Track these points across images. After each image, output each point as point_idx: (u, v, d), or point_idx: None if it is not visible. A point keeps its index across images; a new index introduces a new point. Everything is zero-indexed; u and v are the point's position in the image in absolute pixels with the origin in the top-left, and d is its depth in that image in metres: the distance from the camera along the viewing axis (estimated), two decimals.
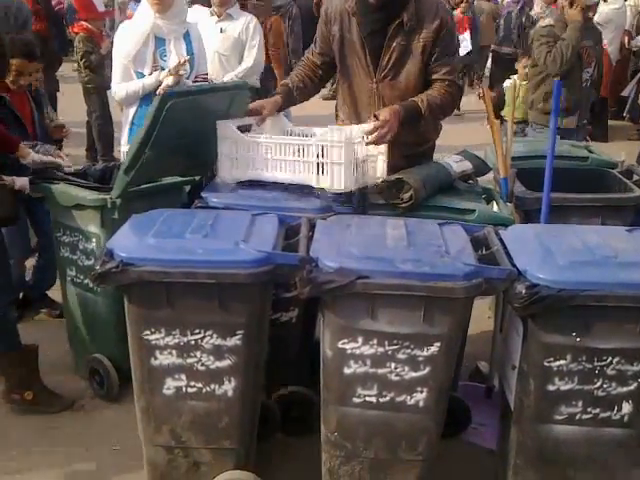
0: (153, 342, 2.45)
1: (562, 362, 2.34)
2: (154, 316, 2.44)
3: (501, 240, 2.57)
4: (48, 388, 3.35)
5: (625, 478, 2.47)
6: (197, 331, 2.44)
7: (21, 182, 3.34)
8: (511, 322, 2.58)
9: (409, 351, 2.36)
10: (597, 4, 5.52)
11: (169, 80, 3.77)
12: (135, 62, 3.87)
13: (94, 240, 3.21)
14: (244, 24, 5.16)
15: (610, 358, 2.33)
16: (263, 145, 2.96)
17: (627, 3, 9.42)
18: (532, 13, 9.89)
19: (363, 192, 2.95)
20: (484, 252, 2.53)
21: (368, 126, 2.94)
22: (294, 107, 3.70)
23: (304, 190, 2.97)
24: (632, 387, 2.35)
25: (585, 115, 5.43)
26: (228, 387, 2.50)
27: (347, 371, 2.41)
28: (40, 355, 3.35)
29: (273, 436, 3.00)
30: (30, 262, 4.19)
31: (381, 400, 2.43)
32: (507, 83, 6.79)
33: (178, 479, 2.61)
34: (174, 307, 2.41)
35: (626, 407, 2.38)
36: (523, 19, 9.83)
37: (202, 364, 2.47)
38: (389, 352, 2.37)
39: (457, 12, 9.46)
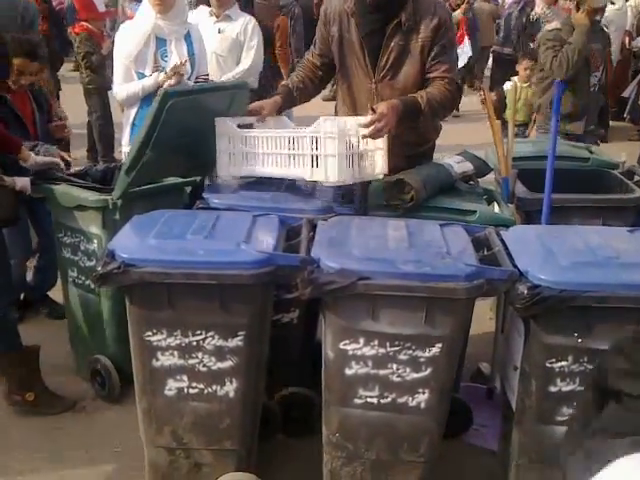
0: (155, 343, 2.45)
1: (564, 363, 2.34)
2: (155, 317, 2.43)
3: (502, 241, 2.57)
4: (49, 389, 3.35)
5: None
6: (198, 332, 2.44)
7: (22, 183, 3.33)
8: (512, 323, 2.58)
9: (410, 352, 2.36)
10: (605, 7, 5.41)
11: (171, 81, 3.77)
12: (136, 62, 3.88)
13: (95, 241, 3.21)
14: (242, 25, 5.07)
15: None
16: (258, 139, 2.94)
17: (628, 4, 9.44)
18: (533, 13, 9.87)
19: (364, 192, 2.94)
20: (485, 253, 2.53)
21: (364, 119, 2.87)
22: (295, 108, 3.69)
23: (305, 191, 2.97)
24: None
25: (593, 120, 5.32)
26: (230, 388, 2.50)
27: (348, 372, 2.41)
28: (41, 356, 3.35)
29: (274, 437, 3.00)
30: (31, 263, 4.19)
31: (382, 401, 2.42)
32: (507, 85, 6.78)
33: None
34: (175, 308, 2.41)
35: None
36: (524, 19, 9.81)
37: (204, 365, 2.47)
38: (390, 353, 2.37)
39: (457, 13, 9.43)
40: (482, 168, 3.36)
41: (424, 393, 2.41)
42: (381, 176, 2.98)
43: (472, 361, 3.37)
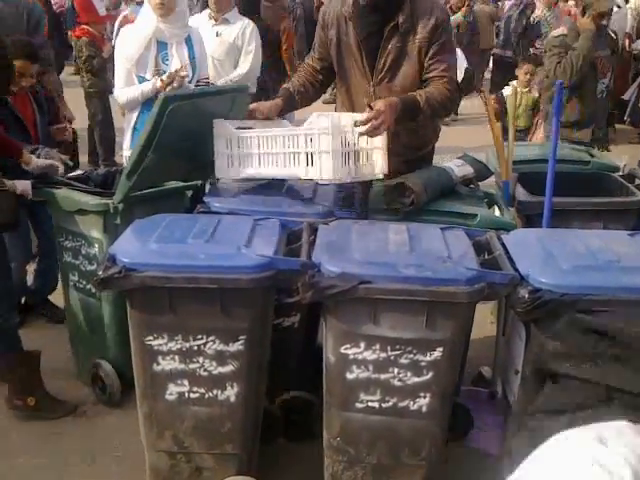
0: (155, 347, 2.45)
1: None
2: (156, 321, 2.44)
3: (503, 244, 2.57)
4: (50, 394, 3.34)
5: None
6: (199, 336, 2.44)
7: (23, 186, 3.31)
8: (514, 327, 2.58)
9: (412, 356, 2.36)
10: (611, 11, 5.33)
11: (174, 84, 3.78)
12: (137, 66, 3.88)
13: (96, 245, 3.21)
14: (240, 29, 5.04)
15: None
16: (254, 139, 2.92)
17: (628, 6, 9.44)
18: (534, 16, 9.87)
19: (365, 196, 2.94)
20: (486, 257, 2.53)
21: (361, 115, 2.81)
22: (296, 111, 3.69)
23: (306, 194, 2.97)
24: None
25: (601, 127, 5.26)
26: (231, 392, 2.50)
27: (350, 376, 2.41)
28: (42, 360, 3.34)
29: (275, 441, 2.99)
30: (31, 266, 4.18)
31: (384, 405, 2.42)
32: (506, 90, 6.77)
33: None
34: (176, 312, 2.41)
35: None
36: (524, 22, 9.81)
37: (205, 369, 2.47)
38: (392, 357, 2.37)
39: (458, 16, 9.42)
40: (483, 171, 3.36)
41: (425, 397, 2.40)
42: (381, 176, 2.95)
43: (473, 365, 3.36)
